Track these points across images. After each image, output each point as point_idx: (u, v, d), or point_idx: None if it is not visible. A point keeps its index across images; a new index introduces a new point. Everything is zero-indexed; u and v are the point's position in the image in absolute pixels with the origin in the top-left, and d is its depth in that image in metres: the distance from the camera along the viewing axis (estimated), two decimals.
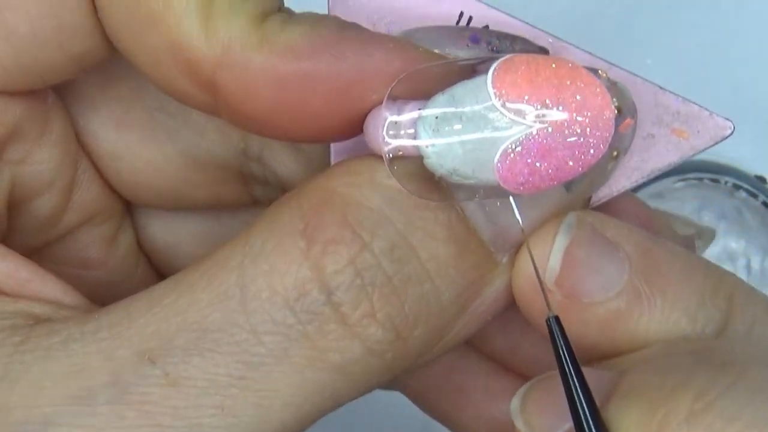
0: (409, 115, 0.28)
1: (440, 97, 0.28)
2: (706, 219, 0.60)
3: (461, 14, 0.31)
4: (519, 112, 0.27)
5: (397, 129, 0.28)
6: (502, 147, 0.27)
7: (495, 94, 0.27)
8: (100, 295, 0.37)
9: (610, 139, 0.28)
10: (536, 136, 0.27)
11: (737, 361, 0.28)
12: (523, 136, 0.27)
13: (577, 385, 0.27)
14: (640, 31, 0.61)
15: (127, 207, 0.39)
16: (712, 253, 0.60)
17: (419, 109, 0.28)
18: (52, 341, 0.29)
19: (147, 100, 0.36)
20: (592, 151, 0.28)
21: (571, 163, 0.28)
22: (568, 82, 0.27)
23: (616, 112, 0.28)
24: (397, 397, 0.38)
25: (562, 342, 0.28)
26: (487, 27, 0.31)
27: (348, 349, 0.28)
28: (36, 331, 0.29)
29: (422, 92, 0.29)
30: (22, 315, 0.30)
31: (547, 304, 0.29)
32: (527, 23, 0.31)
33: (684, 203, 0.59)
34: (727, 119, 0.31)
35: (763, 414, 0.26)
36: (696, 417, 0.26)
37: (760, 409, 0.26)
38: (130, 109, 0.36)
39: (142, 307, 0.29)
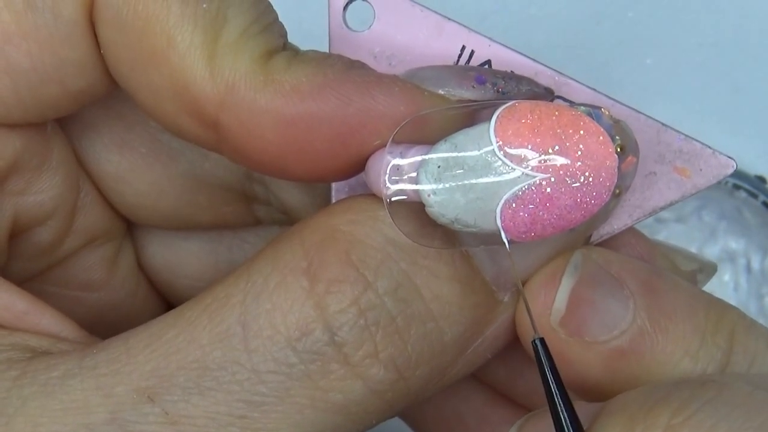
0: (411, 160, 0.28)
1: (442, 145, 0.28)
2: (707, 219, 0.60)
3: (463, 48, 0.31)
4: (521, 161, 0.27)
5: (399, 174, 0.28)
6: (504, 197, 0.27)
7: (497, 142, 0.27)
8: (102, 316, 0.37)
9: (612, 187, 0.28)
10: (538, 186, 0.27)
11: (719, 378, 0.28)
12: (525, 186, 0.27)
13: (560, 402, 0.27)
14: (640, 31, 0.60)
15: (128, 227, 0.39)
16: (712, 252, 0.60)
17: (422, 155, 0.28)
18: (50, 376, 0.28)
19: (149, 121, 0.36)
20: (594, 200, 0.28)
21: (573, 213, 0.27)
22: (571, 131, 0.27)
23: (617, 159, 0.28)
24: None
25: (547, 363, 0.28)
26: (490, 65, 0.31)
27: (350, 390, 0.28)
28: (33, 365, 0.29)
29: (426, 137, 0.28)
30: (19, 348, 0.30)
31: (533, 328, 0.28)
32: (529, 57, 0.31)
33: (684, 203, 0.59)
34: (730, 158, 0.30)
35: (739, 428, 0.26)
36: (673, 431, 0.26)
37: (737, 423, 0.26)
38: (133, 130, 0.36)
39: (141, 343, 0.29)
